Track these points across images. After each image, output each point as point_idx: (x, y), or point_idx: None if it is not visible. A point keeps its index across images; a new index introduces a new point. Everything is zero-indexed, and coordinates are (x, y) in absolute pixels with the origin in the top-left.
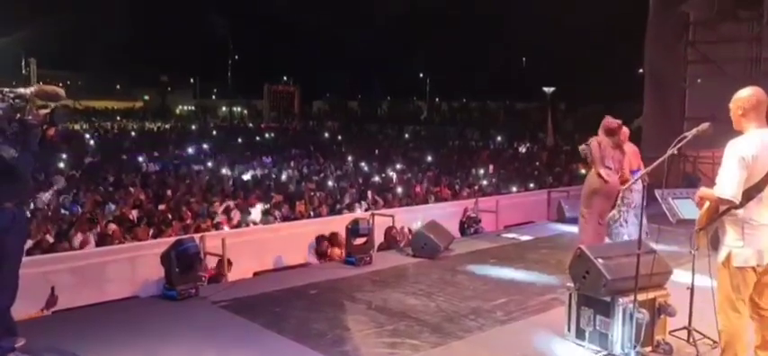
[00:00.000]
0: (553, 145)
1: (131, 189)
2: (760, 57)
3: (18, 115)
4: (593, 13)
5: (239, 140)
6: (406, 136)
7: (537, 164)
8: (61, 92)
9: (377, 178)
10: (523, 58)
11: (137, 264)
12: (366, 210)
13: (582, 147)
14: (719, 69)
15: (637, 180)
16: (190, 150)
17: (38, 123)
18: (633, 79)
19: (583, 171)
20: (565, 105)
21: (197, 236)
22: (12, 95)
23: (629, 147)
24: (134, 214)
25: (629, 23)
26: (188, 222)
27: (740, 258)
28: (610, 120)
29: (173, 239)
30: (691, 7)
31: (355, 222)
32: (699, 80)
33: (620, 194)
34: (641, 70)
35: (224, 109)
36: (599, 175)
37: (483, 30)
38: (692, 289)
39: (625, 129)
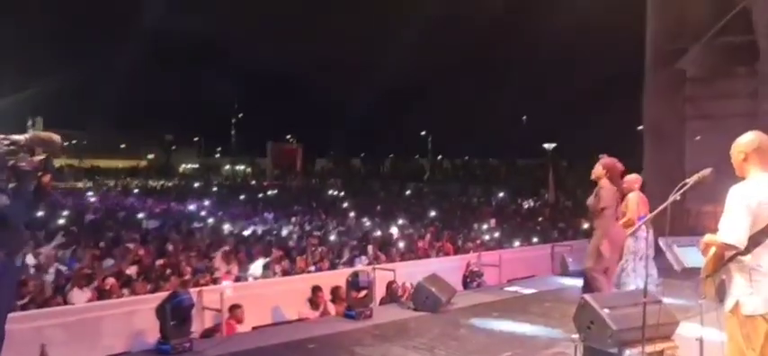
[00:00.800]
0: (554, 201)
1: (130, 245)
2: (757, 112)
3: (11, 161)
4: (593, 69)
5: (242, 197)
6: (408, 192)
7: (540, 219)
8: (56, 138)
9: (378, 233)
10: (524, 117)
11: (132, 319)
12: (368, 265)
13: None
14: (718, 125)
15: (639, 226)
16: (191, 207)
17: (32, 169)
18: (633, 136)
19: (586, 225)
20: (567, 161)
21: (194, 290)
22: (6, 142)
23: (639, 196)
24: (133, 270)
25: (628, 80)
26: (187, 277)
27: (749, 306)
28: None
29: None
30: (687, 64)
31: (355, 274)
32: (697, 137)
33: (626, 243)
34: (640, 127)
35: (227, 167)
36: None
37: (484, 88)
38: (701, 342)
39: (637, 177)
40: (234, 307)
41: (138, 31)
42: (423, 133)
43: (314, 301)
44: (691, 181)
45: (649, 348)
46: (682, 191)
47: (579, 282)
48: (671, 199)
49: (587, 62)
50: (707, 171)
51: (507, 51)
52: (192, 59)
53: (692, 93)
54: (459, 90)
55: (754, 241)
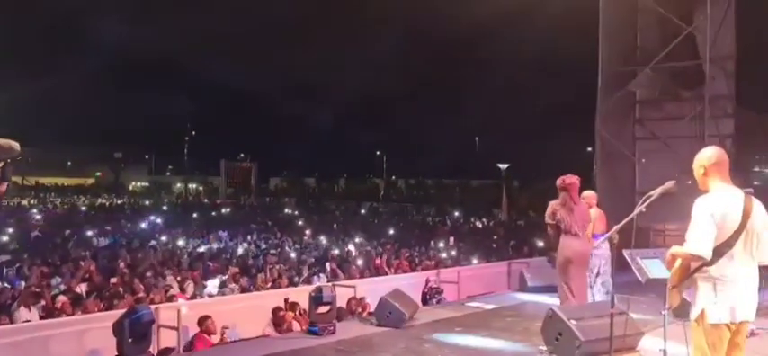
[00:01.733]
0: (507, 220)
1: (80, 263)
2: (703, 134)
3: None
4: (546, 92)
5: (195, 215)
6: (363, 211)
7: (495, 237)
8: (15, 145)
9: (336, 251)
10: (477, 138)
11: (84, 338)
12: (327, 282)
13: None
14: (666, 146)
15: (601, 242)
16: (143, 225)
17: None
18: (584, 157)
19: (541, 243)
20: (518, 182)
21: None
22: None
23: (596, 212)
24: (83, 287)
25: (581, 102)
26: (140, 295)
27: (714, 315)
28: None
29: (125, 309)
30: (637, 87)
31: (319, 290)
32: (643, 160)
33: None
34: (590, 148)
35: (179, 185)
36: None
37: (439, 109)
38: (665, 352)
39: (594, 194)
40: (203, 319)
41: (87, 47)
42: (377, 153)
43: (276, 321)
44: (655, 193)
45: None
46: (647, 202)
47: (538, 297)
48: (637, 210)
49: (540, 85)
50: (671, 183)
51: (462, 73)
52: (144, 76)
53: (642, 116)
54: (415, 111)
55: (718, 252)
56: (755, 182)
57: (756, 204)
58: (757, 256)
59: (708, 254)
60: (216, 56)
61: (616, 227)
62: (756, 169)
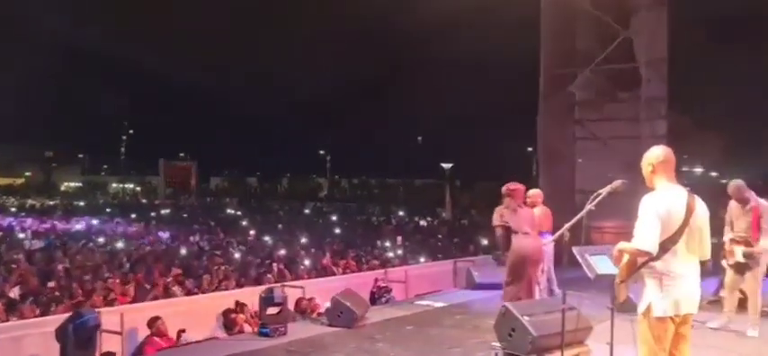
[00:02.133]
0: (451, 219)
1: (13, 266)
2: (640, 135)
3: None
4: (488, 93)
5: (133, 216)
6: (307, 211)
7: (439, 236)
8: None
9: (282, 251)
10: (419, 137)
11: (22, 345)
12: (275, 283)
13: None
14: (604, 146)
15: (554, 239)
16: (78, 226)
17: None
18: (525, 156)
19: (485, 241)
20: (460, 181)
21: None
22: None
23: (542, 210)
24: (16, 291)
25: (522, 103)
26: (80, 300)
27: (660, 309)
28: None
29: (67, 314)
30: (577, 88)
31: (270, 291)
32: (579, 160)
33: None
34: (530, 148)
35: (115, 185)
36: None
37: (382, 109)
38: (611, 345)
39: (540, 192)
40: (153, 320)
41: (15, 41)
42: (321, 152)
43: (227, 323)
44: (604, 191)
45: (567, 353)
46: (596, 201)
47: (486, 295)
48: (587, 208)
49: (482, 86)
50: (618, 182)
51: (405, 73)
52: (78, 72)
53: (581, 116)
54: (358, 110)
55: (664, 247)
56: (685, 182)
57: (699, 202)
58: (699, 252)
59: (654, 250)
60: (155, 52)
61: (567, 225)
62: (685, 169)
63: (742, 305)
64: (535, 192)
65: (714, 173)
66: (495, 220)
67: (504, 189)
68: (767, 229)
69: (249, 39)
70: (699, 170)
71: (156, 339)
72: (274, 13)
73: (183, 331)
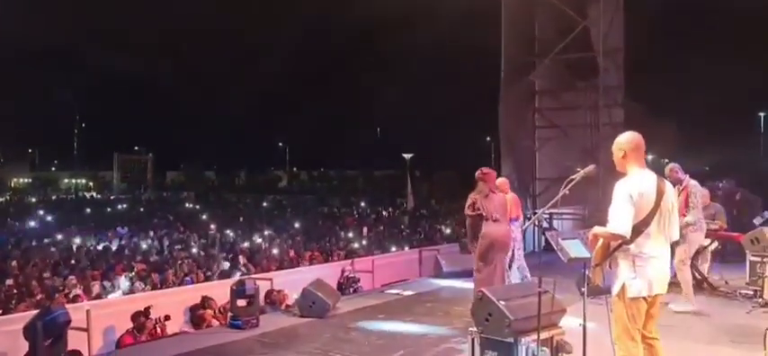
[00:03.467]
0: (413, 208)
1: None
2: (598, 124)
3: None
4: (447, 83)
5: (88, 211)
6: (265, 204)
7: (402, 226)
8: None
9: (245, 244)
10: (378, 128)
11: None
12: (242, 276)
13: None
14: (563, 134)
15: (529, 225)
16: (32, 223)
17: None
18: (483, 146)
19: (448, 230)
20: (420, 171)
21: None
22: None
23: (511, 197)
24: None
25: (480, 92)
26: (39, 298)
27: (633, 289)
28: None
29: (33, 312)
30: (536, 77)
31: (241, 283)
32: (542, 148)
33: None
34: (489, 138)
35: (67, 180)
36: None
37: (341, 100)
38: (584, 326)
39: (504, 180)
40: (137, 315)
41: None
42: (280, 144)
43: (196, 320)
44: (577, 176)
45: (542, 335)
46: (569, 185)
47: (453, 283)
48: (561, 193)
49: (441, 76)
50: (591, 167)
51: (363, 64)
52: (28, 64)
53: (541, 105)
54: (316, 102)
55: (637, 230)
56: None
57: (668, 185)
58: (668, 234)
59: (628, 233)
60: (107, 42)
61: (543, 210)
62: None
63: (699, 285)
64: (502, 181)
65: (667, 161)
66: (468, 209)
67: (477, 173)
68: (694, 206)
69: (204, 30)
70: (650, 157)
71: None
72: (232, 4)
73: (150, 307)
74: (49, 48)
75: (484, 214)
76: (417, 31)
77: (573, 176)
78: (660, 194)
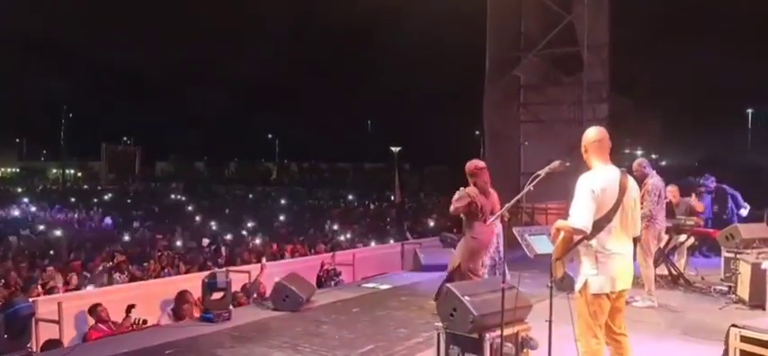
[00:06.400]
0: (400, 202)
1: None
2: (582, 119)
3: None
4: (435, 77)
5: (73, 200)
6: (251, 196)
7: (388, 219)
8: None
9: (229, 236)
10: (369, 121)
11: None
12: (222, 267)
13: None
14: (548, 128)
15: (495, 219)
16: (15, 213)
17: None
18: (472, 140)
19: (432, 223)
20: (409, 165)
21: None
22: None
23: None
24: None
25: (468, 86)
26: (15, 290)
27: (595, 285)
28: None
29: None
30: (521, 72)
31: (213, 276)
32: (525, 142)
33: None
34: (477, 132)
35: (55, 171)
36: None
37: (331, 92)
38: (550, 322)
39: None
40: (93, 308)
41: None
42: (269, 136)
43: (178, 311)
44: (543, 172)
45: (507, 331)
46: (535, 181)
47: (431, 276)
48: (525, 190)
49: (430, 70)
50: (556, 163)
51: (353, 58)
52: (16, 54)
53: (526, 100)
54: (307, 94)
55: (598, 226)
56: (627, 164)
57: (631, 181)
58: (631, 230)
59: (588, 228)
60: (97, 32)
61: (506, 206)
62: (627, 151)
63: (675, 281)
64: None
65: (654, 155)
66: (464, 204)
67: (470, 167)
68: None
69: (197, 21)
70: (639, 152)
71: (101, 325)
72: None
73: (133, 306)
74: (37, 37)
75: (480, 213)
76: (408, 24)
77: (538, 172)
78: (623, 190)
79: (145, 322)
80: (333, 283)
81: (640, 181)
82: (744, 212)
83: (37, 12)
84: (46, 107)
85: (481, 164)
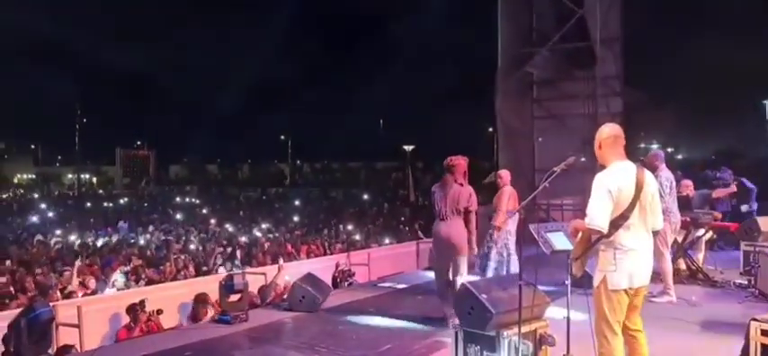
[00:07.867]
0: (414, 200)
1: None
2: (596, 113)
3: None
4: (448, 73)
5: (88, 205)
6: (264, 197)
7: (402, 219)
8: None
9: (244, 238)
10: (381, 120)
11: None
12: (238, 269)
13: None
14: (562, 124)
15: (510, 217)
16: (33, 219)
17: None
18: (486, 137)
19: None
20: (422, 163)
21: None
22: None
23: (510, 190)
24: None
25: (482, 84)
26: (33, 294)
27: (613, 281)
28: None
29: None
30: (534, 67)
31: (229, 278)
32: (539, 139)
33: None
34: (491, 128)
35: (70, 176)
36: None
37: (342, 92)
38: (568, 319)
39: (505, 172)
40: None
41: None
42: (282, 137)
43: (196, 314)
44: (558, 168)
45: (524, 328)
46: (550, 178)
47: None
48: (541, 186)
49: (442, 66)
50: (571, 158)
51: (364, 55)
52: (30, 60)
53: (539, 95)
54: (318, 94)
55: (616, 224)
56: (641, 158)
57: (648, 175)
58: (650, 224)
59: (604, 228)
60: (109, 37)
61: (523, 203)
62: (642, 145)
63: (694, 275)
64: (504, 173)
65: (670, 149)
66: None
67: (445, 161)
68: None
69: (207, 24)
70: (655, 145)
71: (132, 324)
72: None
73: (161, 311)
74: (50, 43)
75: (434, 209)
76: (420, 22)
77: (554, 169)
78: (640, 186)
79: (160, 312)
80: (346, 284)
81: (652, 172)
82: (744, 208)
83: (50, 17)
84: (60, 112)
85: (455, 160)
